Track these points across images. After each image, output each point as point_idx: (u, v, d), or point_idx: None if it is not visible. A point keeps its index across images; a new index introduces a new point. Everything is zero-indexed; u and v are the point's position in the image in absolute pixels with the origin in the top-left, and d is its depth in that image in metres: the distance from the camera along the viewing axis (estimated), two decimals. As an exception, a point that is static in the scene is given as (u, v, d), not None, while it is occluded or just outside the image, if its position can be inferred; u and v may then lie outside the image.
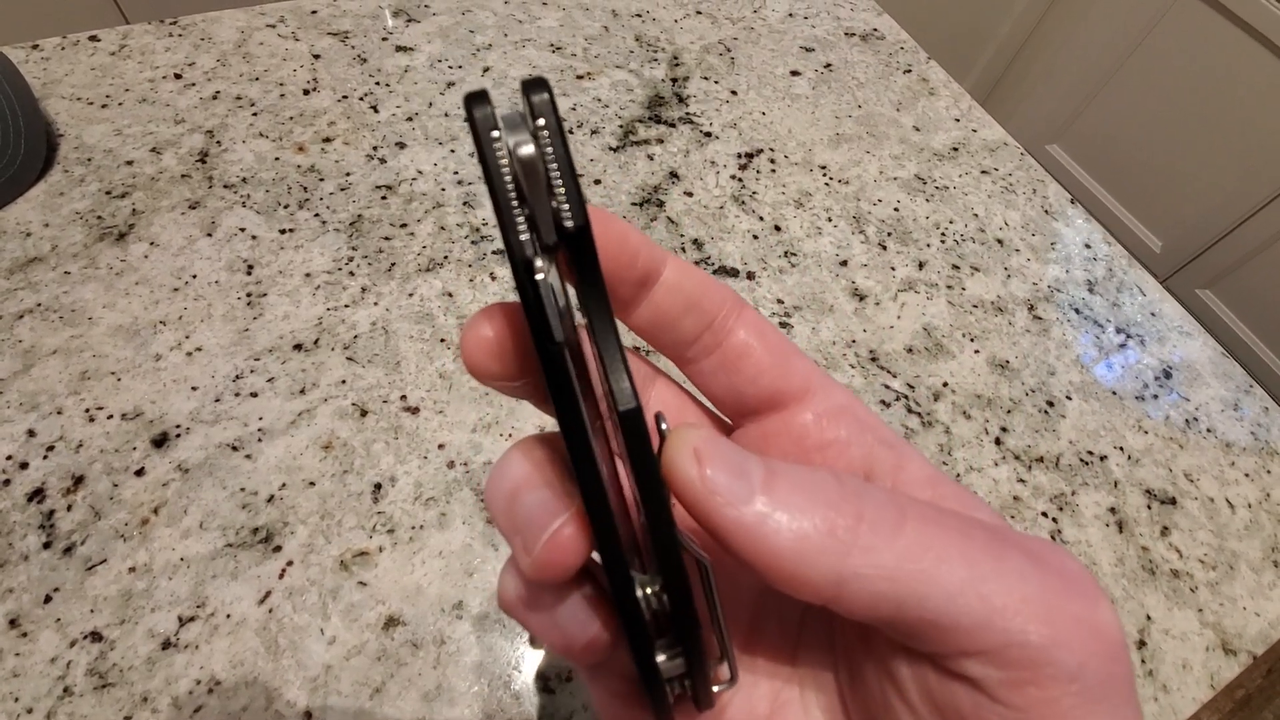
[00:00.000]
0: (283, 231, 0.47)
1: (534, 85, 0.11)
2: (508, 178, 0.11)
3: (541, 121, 0.11)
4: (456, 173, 0.52)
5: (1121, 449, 0.45)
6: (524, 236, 0.11)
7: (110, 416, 0.38)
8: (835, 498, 0.12)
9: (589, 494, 0.12)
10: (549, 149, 0.11)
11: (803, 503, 0.12)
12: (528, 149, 0.11)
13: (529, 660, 0.33)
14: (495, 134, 0.11)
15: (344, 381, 0.41)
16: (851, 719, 0.15)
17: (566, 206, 0.11)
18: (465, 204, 0.50)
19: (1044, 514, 0.41)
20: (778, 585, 0.12)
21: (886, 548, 0.11)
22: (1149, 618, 0.39)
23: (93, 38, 0.56)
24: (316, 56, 0.58)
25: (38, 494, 0.35)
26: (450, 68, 0.59)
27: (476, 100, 0.11)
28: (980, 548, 0.12)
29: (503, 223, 0.11)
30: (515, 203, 0.11)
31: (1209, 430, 0.47)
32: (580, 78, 0.61)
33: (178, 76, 0.54)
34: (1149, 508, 0.43)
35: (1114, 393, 0.48)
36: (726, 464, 0.12)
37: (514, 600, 0.14)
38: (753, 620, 0.17)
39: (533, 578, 0.13)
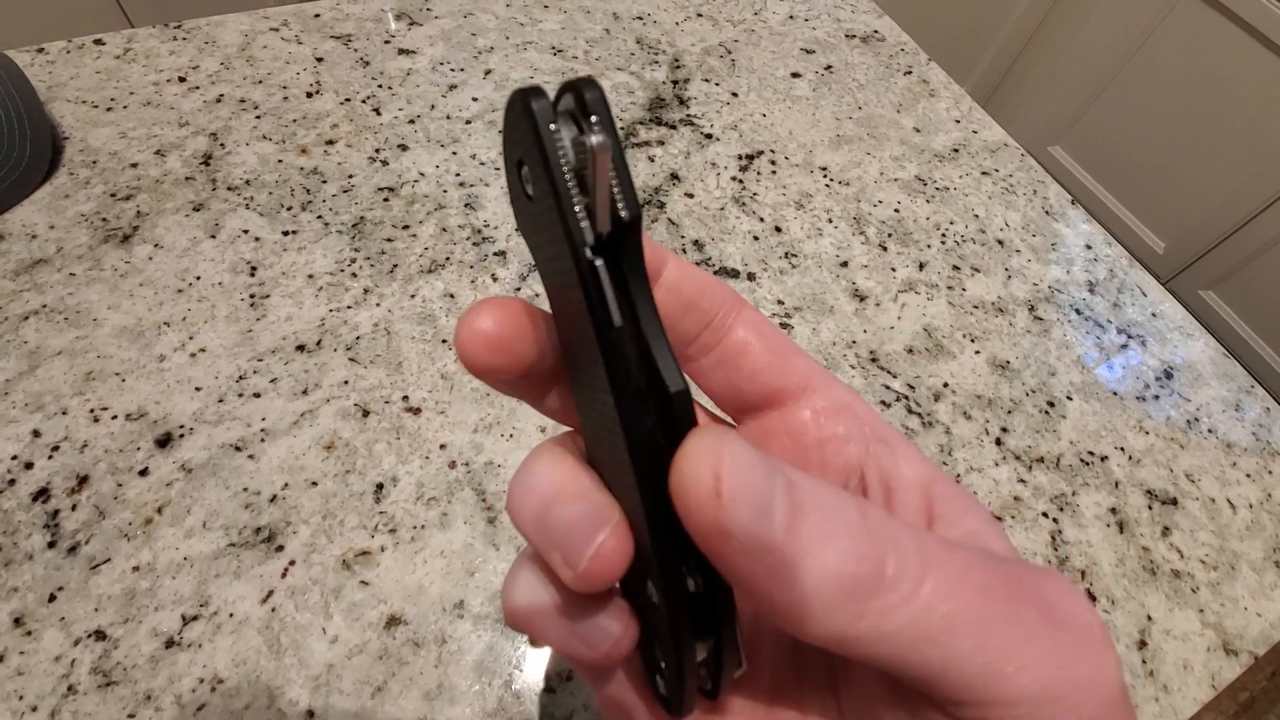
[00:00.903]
0: (286, 233, 0.47)
1: (587, 84, 0.11)
2: (567, 169, 0.11)
3: (595, 117, 0.11)
4: (458, 175, 0.52)
5: (1122, 449, 0.45)
6: (584, 224, 0.11)
7: (115, 417, 0.38)
8: (861, 540, 0.11)
9: (649, 493, 0.12)
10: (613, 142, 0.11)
11: (826, 548, 0.11)
12: (599, 139, 0.11)
13: (530, 659, 0.33)
14: (553, 126, 0.11)
15: (346, 382, 0.41)
16: None
17: (621, 197, 0.11)
18: (467, 205, 0.50)
19: (1044, 514, 0.41)
20: (791, 630, 0.11)
21: (903, 608, 0.11)
22: (1150, 618, 0.39)
23: (98, 41, 0.56)
24: (319, 59, 0.58)
25: (42, 493, 0.35)
26: (452, 70, 0.60)
27: (534, 94, 0.11)
28: (995, 607, 0.11)
29: (564, 212, 0.11)
30: (576, 193, 0.11)
31: (1210, 431, 0.47)
32: (581, 80, 0.61)
33: (182, 80, 0.55)
34: (1150, 508, 0.43)
35: (1115, 393, 0.48)
36: (750, 497, 0.10)
37: (531, 613, 0.14)
38: (750, 637, 0.17)
39: (577, 589, 0.13)
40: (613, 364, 0.12)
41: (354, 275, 0.46)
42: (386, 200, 0.50)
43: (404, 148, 0.53)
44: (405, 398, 0.41)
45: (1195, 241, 1.55)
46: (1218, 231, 1.50)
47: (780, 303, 0.48)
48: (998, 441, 0.44)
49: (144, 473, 0.36)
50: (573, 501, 0.13)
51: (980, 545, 0.14)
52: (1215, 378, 0.50)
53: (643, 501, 0.12)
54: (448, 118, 0.56)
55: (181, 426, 0.38)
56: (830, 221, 0.54)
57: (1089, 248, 0.56)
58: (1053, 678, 0.11)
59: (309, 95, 0.55)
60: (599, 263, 0.11)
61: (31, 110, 0.47)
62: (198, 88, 0.54)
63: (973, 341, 0.49)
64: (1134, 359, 0.50)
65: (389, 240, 0.48)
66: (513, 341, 0.13)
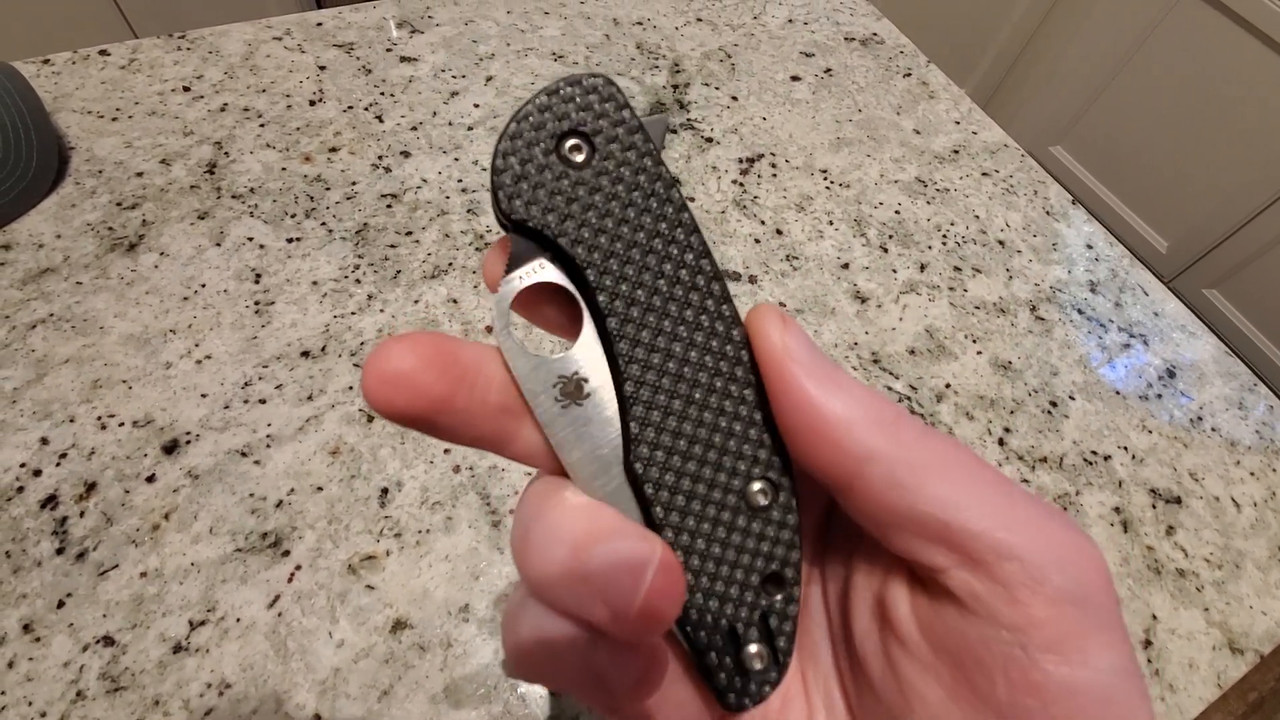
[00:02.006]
0: (290, 240, 0.47)
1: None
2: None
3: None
4: (460, 181, 0.52)
5: (1126, 449, 0.45)
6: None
7: (122, 424, 0.38)
8: (880, 399, 0.13)
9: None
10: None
11: (859, 395, 0.13)
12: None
13: (535, 662, 0.34)
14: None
15: (351, 388, 0.41)
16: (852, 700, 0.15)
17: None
18: (469, 211, 0.51)
19: (1048, 514, 0.42)
20: (815, 452, 0.13)
21: (914, 448, 0.13)
22: (1155, 617, 0.39)
23: (103, 52, 0.56)
24: (322, 68, 0.59)
25: (51, 501, 0.36)
26: (454, 77, 0.60)
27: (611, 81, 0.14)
28: (990, 478, 0.13)
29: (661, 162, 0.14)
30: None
31: (1214, 429, 0.47)
32: (582, 85, 0.61)
33: (186, 89, 0.55)
34: (1154, 507, 0.43)
35: (1118, 392, 0.48)
36: (803, 340, 0.14)
37: (598, 689, 0.13)
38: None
39: (629, 637, 0.12)
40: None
41: (358, 281, 0.46)
42: (389, 207, 0.50)
43: (406, 154, 0.54)
44: (409, 403, 0.41)
45: (1198, 240, 1.55)
46: (1220, 230, 1.50)
47: (782, 305, 0.49)
48: (1000, 442, 0.44)
49: (151, 479, 0.37)
50: (610, 539, 0.12)
51: None
52: (1218, 376, 0.50)
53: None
54: (450, 124, 0.56)
55: (188, 433, 0.38)
56: (831, 224, 0.54)
57: (1090, 247, 0.56)
58: (1049, 535, 0.12)
59: (312, 103, 0.56)
60: None
61: (38, 121, 0.47)
62: (202, 97, 0.55)
63: (975, 342, 0.49)
64: (1136, 358, 0.50)
65: (392, 246, 0.48)
66: (420, 376, 0.12)
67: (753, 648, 0.14)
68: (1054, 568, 0.12)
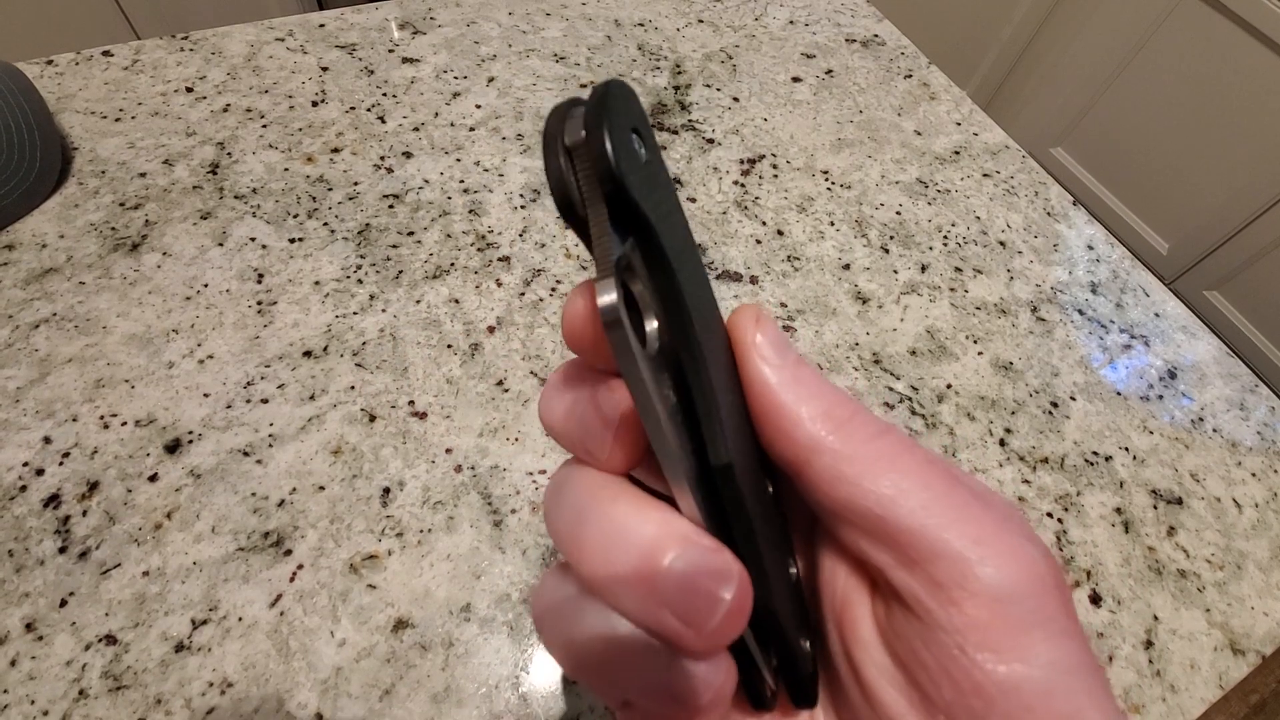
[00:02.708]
0: (292, 241, 0.47)
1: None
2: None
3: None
4: (462, 181, 0.53)
5: (1127, 449, 0.45)
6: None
7: (124, 423, 0.38)
8: (841, 398, 0.14)
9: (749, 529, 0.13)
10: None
11: (817, 390, 0.14)
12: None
13: (536, 662, 0.34)
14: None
15: (353, 387, 0.41)
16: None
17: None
18: (471, 212, 0.51)
19: (1049, 514, 0.41)
20: (770, 434, 0.14)
21: (862, 444, 0.13)
22: (1156, 618, 0.39)
23: (106, 53, 0.57)
24: (325, 69, 0.59)
25: (53, 500, 0.36)
26: (456, 78, 0.60)
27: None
28: (935, 476, 0.13)
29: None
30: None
31: (1215, 430, 0.47)
32: (584, 86, 0.61)
33: (189, 90, 0.55)
34: (1155, 508, 0.43)
35: (1119, 393, 0.48)
36: (774, 337, 0.14)
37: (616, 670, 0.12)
38: None
39: (693, 650, 0.12)
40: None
41: (360, 282, 0.46)
42: (391, 207, 0.50)
43: (408, 155, 0.54)
44: (411, 402, 0.41)
45: (1199, 242, 1.55)
46: (1221, 232, 1.50)
47: (783, 305, 0.49)
48: (1001, 442, 0.44)
49: (153, 478, 0.37)
50: (685, 548, 0.12)
51: None
52: (1219, 377, 0.50)
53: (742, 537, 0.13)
54: (451, 125, 0.56)
55: (190, 432, 0.38)
56: (832, 224, 0.54)
57: (1091, 248, 0.56)
58: (983, 535, 0.12)
59: (314, 104, 0.56)
60: None
61: (41, 121, 0.47)
62: (205, 98, 0.55)
63: (975, 343, 0.49)
64: (1137, 359, 0.50)
65: (394, 247, 0.48)
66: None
67: (805, 644, 0.15)
68: (985, 565, 0.12)
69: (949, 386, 0.46)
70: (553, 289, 0.47)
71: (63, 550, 0.34)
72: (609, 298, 0.11)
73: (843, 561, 0.15)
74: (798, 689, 0.15)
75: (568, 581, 0.13)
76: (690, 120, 0.60)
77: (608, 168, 0.12)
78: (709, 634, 0.12)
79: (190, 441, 0.38)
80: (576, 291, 0.13)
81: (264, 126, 0.54)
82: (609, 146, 0.12)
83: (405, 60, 0.61)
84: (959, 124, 0.65)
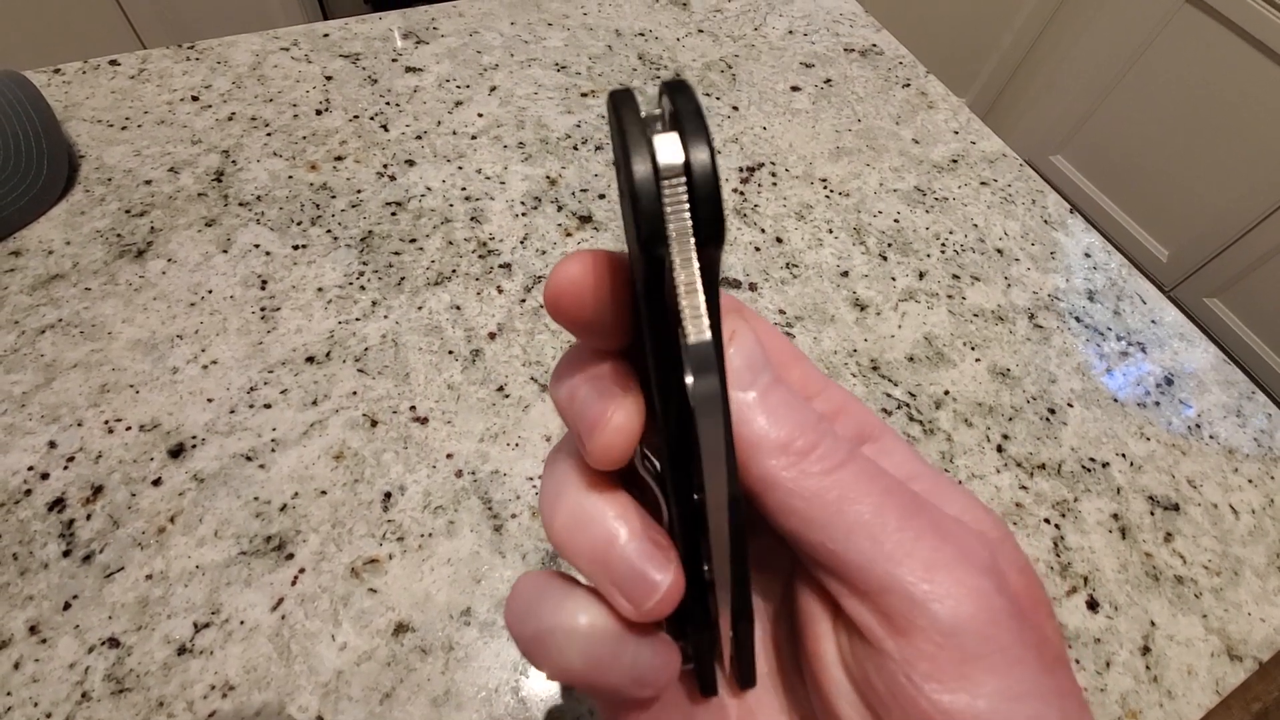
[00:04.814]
0: (296, 247, 0.48)
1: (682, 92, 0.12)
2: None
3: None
4: (464, 189, 0.53)
5: (1124, 455, 0.45)
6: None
7: (129, 428, 0.39)
8: (806, 426, 0.13)
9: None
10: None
11: (781, 415, 0.13)
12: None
13: (536, 666, 0.34)
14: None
15: (355, 393, 0.41)
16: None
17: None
18: (472, 219, 0.51)
19: (1046, 520, 0.42)
20: (743, 458, 0.14)
21: (818, 478, 0.13)
22: (1153, 624, 0.39)
23: (113, 62, 0.57)
24: (329, 78, 0.59)
25: (58, 503, 0.36)
26: (458, 87, 0.61)
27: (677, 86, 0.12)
28: (891, 510, 0.13)
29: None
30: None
31: (1212, 437, 0.47)
32: (585, 95, 0.62)
33: (195, 99, 0.56)
34: (1152, 514, 0.43)
35: (1116, 400, 0.48)
36: (747, 356, 0.14)
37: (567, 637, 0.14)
38: None
39: (634, 619, 0.14)
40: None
41: (362, 288, 0.46)
42: (394, 214, 0.51)
43: (411, 163, 0.54)
44: (413, 408, 0.41)
45: (1199, 249, 1.55)
46: (1221, 239, 1.50)
47: (782, 312, 0.49)
48: (999, 449, 0.44)
49: (157, 483, 0.37)
50: (637, 539, 0.13)
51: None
52: (1216, 384, 0.50)
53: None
54: (454, 133, 0.57)
55: (194, 437, 0.39)
56: (831, 232, 0.55)
57: (1088, 256, 0.57)
58: (933, 569, 0.12)
59: (318, 113, 0.57)
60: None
61: (49, 129, 0.48)
62: (210, 106, 0.56)
63: (973, 349, 0.49)
64: (1134, 366, 0.50)
65: (396, 253, 0.49)
66: (585, 290, 0.13)
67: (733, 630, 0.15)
68: (933, 601, 0.12)
69: (946, 393, 0.46)
70: (553, 295, 0.48)
71: (67, 554, 0.35)
72: (710, 383, 0.11)
73: (808, 583, 0.15)
74: (736, 673, 0.16)
75: (535, 586, 0.15)
76: (690, 129, 0.61)
77: (718, 232, 0.11)
78: (643, 616, 0.13)
79: (194, 446, 0.38)
80: (574, 259, 0.13)
81: (268, 135, 0.54)
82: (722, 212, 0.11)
83: (408, 69, 0.61)
84: (956, 132, 0.65)
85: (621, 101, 0.12)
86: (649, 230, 0.11)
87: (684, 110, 0.11)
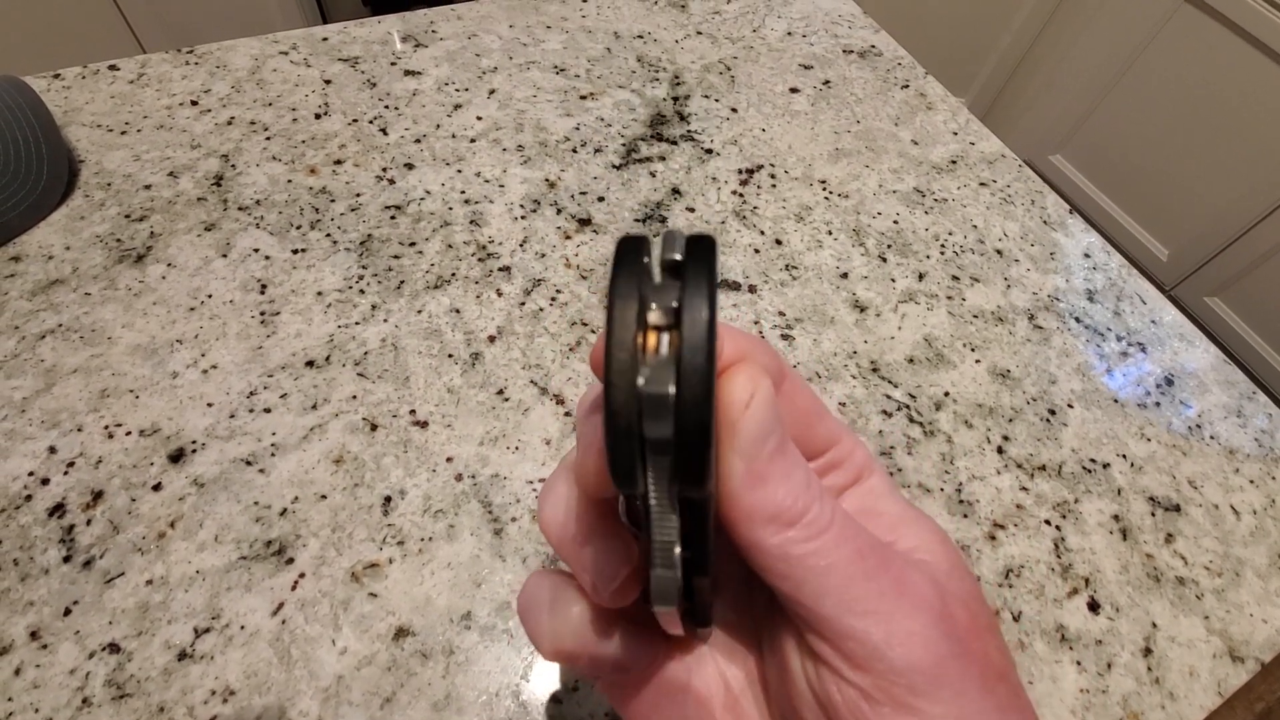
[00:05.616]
0: (295, 251, 0.48)
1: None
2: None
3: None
4: (463, 192, 0.53)
5: (1124, 456, 0.45)
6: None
7: (129, 433, 0.39)
8: (797, 493, 0.15)
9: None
10: None
11: (775, 487, 0.14)
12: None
13: (537, 670, 0.34)
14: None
15: (354, 397, 0.41)
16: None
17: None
18: (472, 222, 0.51)
19: (1047, 522, 0.42)
20: (721, 513, 0.15)
21: (801, 544, 0.14)
22: (1154, 625, 0.39)
23: (112, 67, 0.57)
24: (328, 82, 0.60)
25: (58, 509, 0.36)
26: (457, 90, 0.61)
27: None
28: (860, 572, 0.14)
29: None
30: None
31: (1212, 437, 0.47)
32: (584, 98, 0.62)
33: (194, 103, 0.56)
34: (1153, 515, 0.43)
35: (1116, 400, 0.48)
36: (758, 424, 0.14)
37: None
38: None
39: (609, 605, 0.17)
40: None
41: (362, 292, 0.46)
42: (393, 218, 0.51)
43: (410, 166, 0.54)
44: (412, 412, 0.41)
45: (1199, 248, 1.55)
46: (1221, 238, 1.50)
47: (781, 314, 0.49)
48: (999, 450, 0.44)
49: (157, 488, 0.37)
50: (603, 537, 0.16)
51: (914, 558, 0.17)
52: (1217, 384, 0.50)
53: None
54: (453, 137, 0.57)
55: (194, 442, 0.39)
56: (830, 233, 0.55)
57: (1087, 256, 0.57)
58: (891, 621, 0.14)
59: (317, 116, 0.57)
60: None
61: (48, 134, 0.48)
62: (209, 111, 0.56)
63: (973, 351, 0.49)
64: (1135, 367, 0.50)
65: (396, 257, 0.49)
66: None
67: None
68: (891, 649, 0.14)
69: (947, 394, 0.46)
70: (553, 298, 0.48)
71: (67, 559, 0.35)
72: (667, 608, 0.14)
73: (780, 605, 0.16)
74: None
75: (544, 584, 0.18)
76: (689, 131, 0.61)
77: (705, 493, 0.12)
78: (607, 598, 0.16)
79: (194, 451, 0.38)
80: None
81: (268, 139, 0.54)
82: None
83: (407, 73, 0.61)
84: (955, 134, 0.65)
85: (620, 288, 0.11)
86: (618, 471, 0.11)
87: (689, 318, 0.10)
